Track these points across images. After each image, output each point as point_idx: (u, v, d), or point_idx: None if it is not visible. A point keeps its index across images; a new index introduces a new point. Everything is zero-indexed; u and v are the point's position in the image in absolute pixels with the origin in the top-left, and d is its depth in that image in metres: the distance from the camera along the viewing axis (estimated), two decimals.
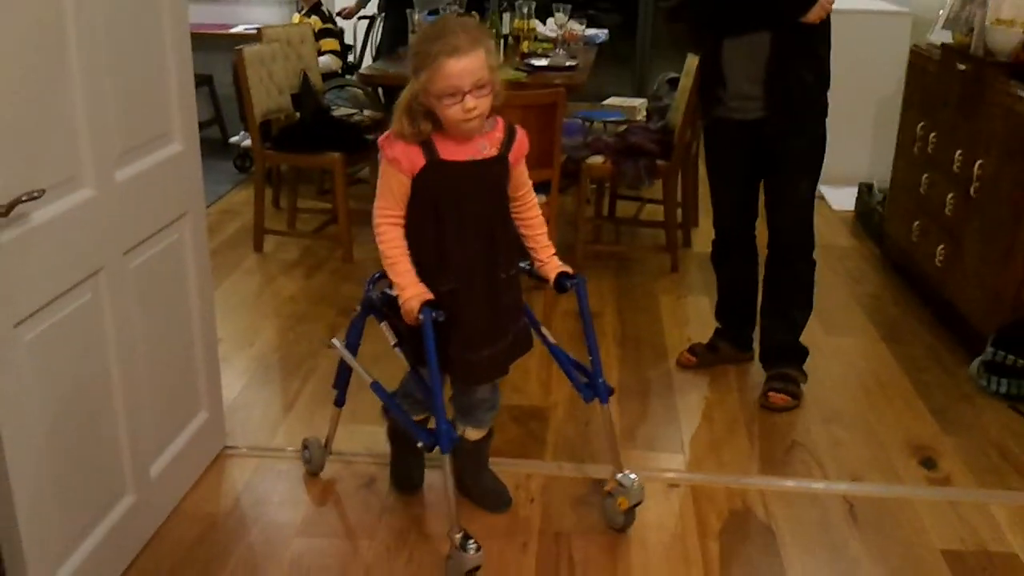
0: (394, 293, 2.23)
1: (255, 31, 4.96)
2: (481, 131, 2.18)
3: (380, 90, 5.50)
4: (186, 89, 2.38)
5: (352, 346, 2.52)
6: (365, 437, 2.88)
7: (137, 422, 2.27)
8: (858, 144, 5.45)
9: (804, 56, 2.95)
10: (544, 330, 2.49)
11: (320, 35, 5.35)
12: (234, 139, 5.80)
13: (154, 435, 2.38)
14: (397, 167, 2.16)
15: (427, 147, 2.15)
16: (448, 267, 2.22)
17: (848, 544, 2.44)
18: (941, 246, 3.72)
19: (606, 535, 2.45)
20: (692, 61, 4.07)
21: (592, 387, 2.43)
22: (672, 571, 2.32)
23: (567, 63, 4.29)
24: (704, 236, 3.37)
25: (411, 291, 2.18)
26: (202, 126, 6.08)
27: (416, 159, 2.16)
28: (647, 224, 4.72)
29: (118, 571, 2.24)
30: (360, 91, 5.30)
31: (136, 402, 2.26)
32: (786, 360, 3.21)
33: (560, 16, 4.89)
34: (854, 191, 5.23)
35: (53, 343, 1.91)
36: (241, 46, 4.20)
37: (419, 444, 2.28)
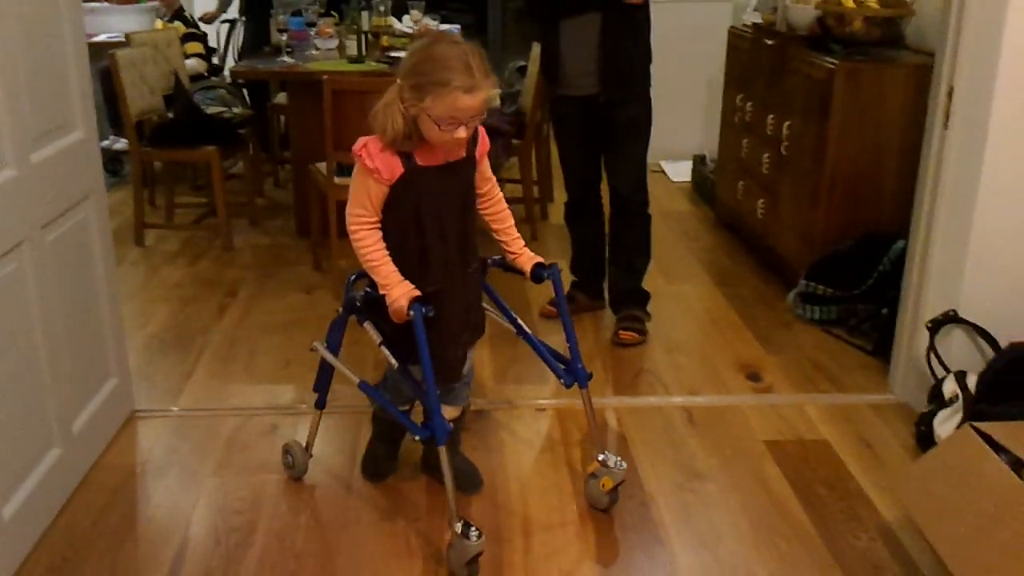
0: (378, 294, 2.27)
1: (119, 39, 5.15)
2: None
3: (245, 90, 5.78)
4: (85, 84, 2.65)
5: (333, 348, 2.54)
6: (263, 394, 3.20)
7: (59, 382, 2.53)
8: (692, 122, 6.01)
9: (630, 35, 3.39)
10: (520, 320, 2.56)
11: (185, 39, 5.57)
12: (104, 143, 5.94)
13: (74, 395, 2.63)
14: (376, 176, 2.19)
15: (405, 155, 2.19)
16: (430, 269, 2.27)
17: (687, 442, 2.90)
18: (761, 200, 4.25)
19: (485, 452, 2.84)
20: (537, 50, 4.49)
21: (571, 372, 2.49)
22: (541, 473, 2.72)
23: None
24: (560, 208, 3.81)
25: (398, 290, 2.21)
26: None
27: (395, 167, 2.19)
28: (508, 201, 5.11)
29: (52, 513, 2.50)
30: (225, 91, 5.55)
31: (57, 365, 2.52)
32: (632, 303, 3.67)
33: (415, 13, 5.30)
34: (690, 164, 5.77)
35: None
36: (113, 50, 4.40)
37: (416, 438, 2.33)
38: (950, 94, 2.81)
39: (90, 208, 2.72)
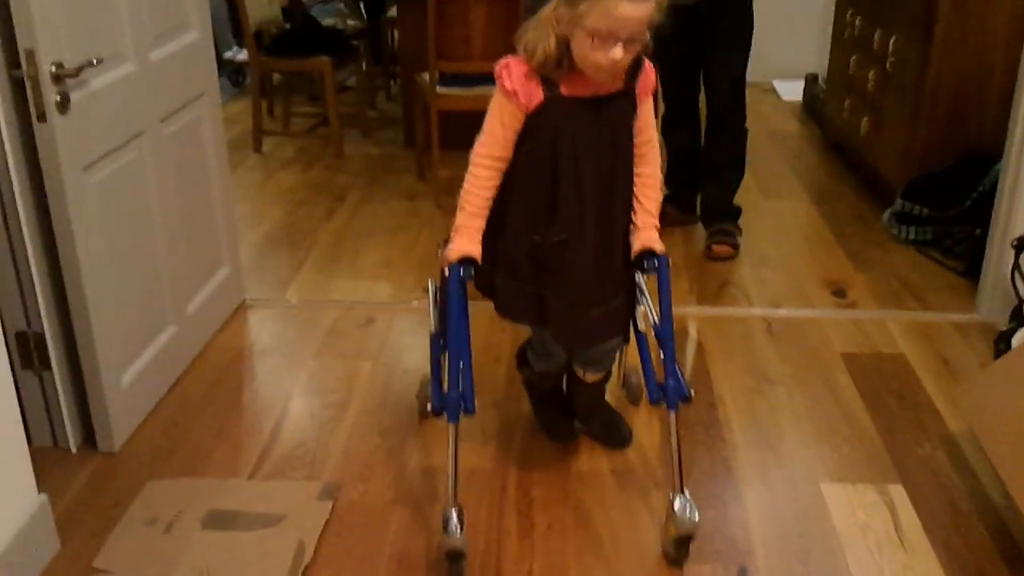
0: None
1: None
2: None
3: (362, 4, 5.93)
4: None
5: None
6: (364, 289, 3.41)
7: (175, 265, 2.76)
8: (806, 39, 5.88)
9: None
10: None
11: None
12: (228, 54, 6.20)
13: (189, 279, 2.87)
14: (514, 100, 1.95)
15: (548, 80, 1.94)
16: (560, 216, 2.02)
17: (763, 350, 2.97)
18: (865, 119, 4.20)
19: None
20: None
21: (661, 387, 2.07)
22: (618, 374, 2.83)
23: None
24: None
25: (458, 243, 2.02)
26: None
27: (534, 93, 1.94)
28: None
29: (167, 384, 2.76)
30: (342, 5, 5.72)
31: (173, 249, 2.75)
32: (724, 217, 3.71)
33: None
34: (802, 83, 5.68)
35: (111, 188, 2.40)
36: None
37: (427, 407, 2.15)
38: None
39: (204, 106, 2.92)
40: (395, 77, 5.93)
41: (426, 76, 4.11)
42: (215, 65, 3.00)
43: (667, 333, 2.07)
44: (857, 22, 4.34)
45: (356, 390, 2.78)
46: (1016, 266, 2.87)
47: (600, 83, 1.96)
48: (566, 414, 2.54)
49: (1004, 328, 2.85)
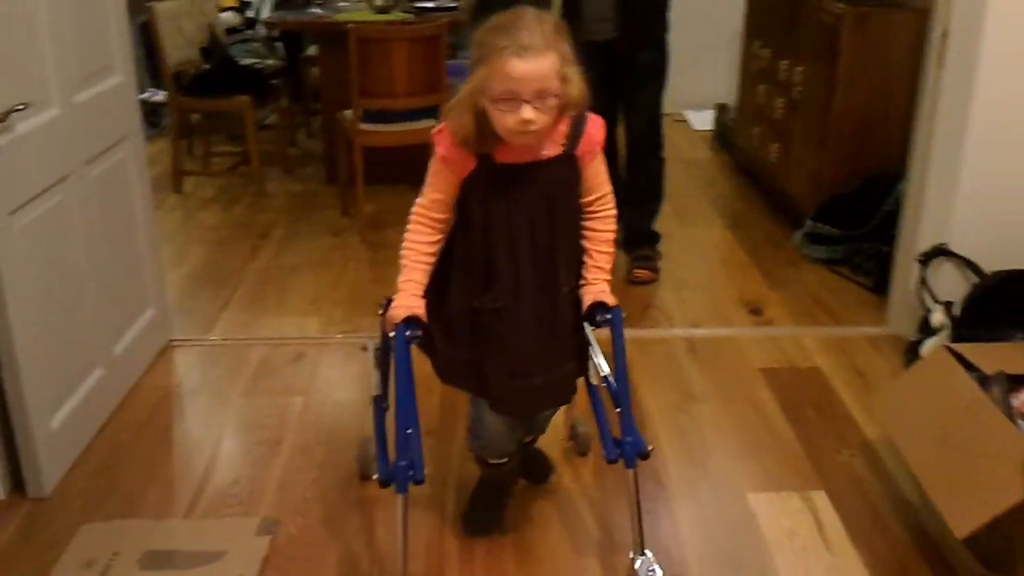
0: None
1: None
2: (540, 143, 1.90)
3: (280, 43, 5.96)
4: (123, 30, 2.85)
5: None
6: (291, 325, 3.41)
7: (102, 307, 2.75)
8: (715, 71, 6.06)
9: None
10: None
11: None
12: (143, 96, 6.16)
13: (115, 321, 2.86)
14: (447, 165, 1.93)
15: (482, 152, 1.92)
16: (495, 283, 1.98)
17: (686, 369, 3.07)
18: (775, 145, 4.37)
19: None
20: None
21: (618, 444, 1.99)
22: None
23: (450, 4, 4.81)
24: None
25: (400, 300, 1.98)
26: None
27: (467, 160, 1.92)
28: None
29: (96, 426, 2.73)
30: (260, 44, 5.74)
31: (100, 292, 2.73)
32: (644, 242, 3.83)
33: None
34: (713, 113, 5.87)
35: (37, 232, 2.38)
36: (152, 3, 4.59)
37: (373, 476, 2.07)
38: (944, 36, 2.91)
39: (129, 148, 2.93)
40: (315, 114, 5.96)
41: (348, 113, 4.16)
42: (138, 107, 3.00)
43: (623, 388, 2.00)
44: (764, 53, 4.53)
45: (289, 425, 2.79)
46: (922, 280, 3.02)
47: (535, 149, 1.91)
48: (498, 510, 2.37)
49: (913, 339, 2.99)
